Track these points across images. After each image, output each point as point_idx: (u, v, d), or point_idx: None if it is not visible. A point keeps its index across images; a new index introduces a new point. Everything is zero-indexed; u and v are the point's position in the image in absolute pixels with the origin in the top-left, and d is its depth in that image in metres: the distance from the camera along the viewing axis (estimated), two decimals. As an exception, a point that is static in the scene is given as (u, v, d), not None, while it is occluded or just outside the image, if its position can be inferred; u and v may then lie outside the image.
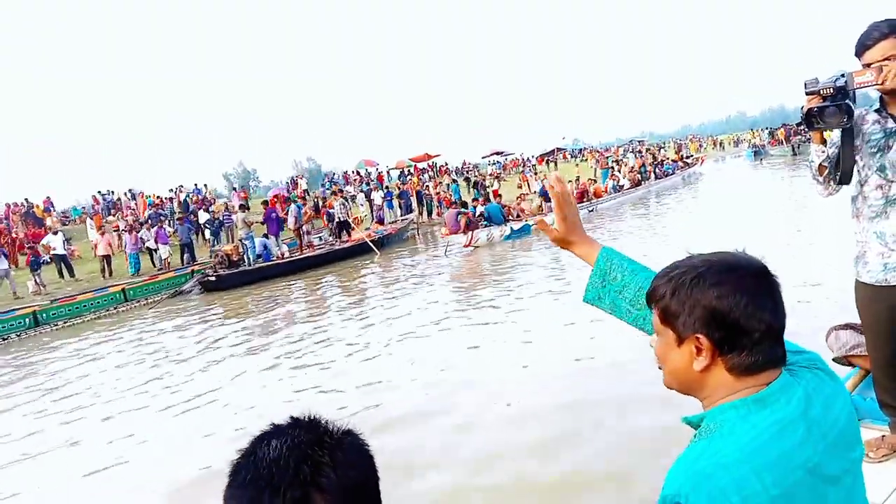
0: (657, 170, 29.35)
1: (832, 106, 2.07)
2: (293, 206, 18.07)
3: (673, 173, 31.18)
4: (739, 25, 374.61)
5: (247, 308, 13.13)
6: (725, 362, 1.01)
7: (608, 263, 1.38)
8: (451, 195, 31.38)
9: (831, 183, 2.39)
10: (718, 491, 0.90)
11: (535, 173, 39.87)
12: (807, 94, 2.13)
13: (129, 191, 33.61)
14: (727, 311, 0.98)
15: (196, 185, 37.37)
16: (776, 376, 1.01)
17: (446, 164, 52.31)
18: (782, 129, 39.29)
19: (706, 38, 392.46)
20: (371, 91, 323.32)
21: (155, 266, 18.88)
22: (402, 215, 26.73)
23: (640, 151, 59.48)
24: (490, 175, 47.87)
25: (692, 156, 38.61)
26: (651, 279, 1.13)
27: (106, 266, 18.13)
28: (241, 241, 16.58)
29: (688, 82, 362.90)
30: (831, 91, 2.08)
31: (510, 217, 18.40)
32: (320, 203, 25.38)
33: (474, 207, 17.55)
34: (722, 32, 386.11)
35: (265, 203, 21.39)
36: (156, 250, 18.87)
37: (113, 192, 33.29)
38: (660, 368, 1.11)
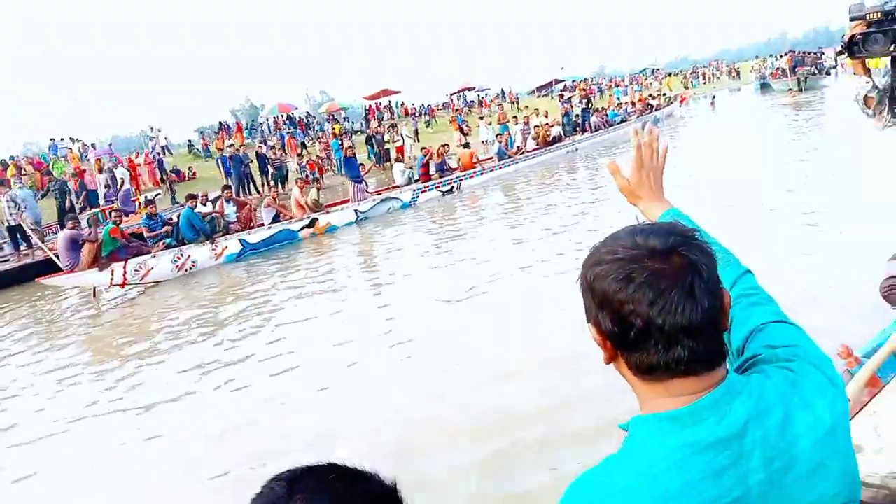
0: (591, 119, 21.49)
1: (877, 33, 1.95)
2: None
3: (622, 122, 23.39)
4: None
5: None
6: (625, 360, 0.86)
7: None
8: (324, 158, 24.34)
9: (885, 115, 2.25)
10: None
11: (482, 117, 31.76)
12: (851, 19, 2.01)
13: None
14: (602, 297, 0.84)
15: (60, 138, 30.72)
16: (697, 387, 0.83)
17: (405, 104, 44.17)
18: (788, 57, 30.48)
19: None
20: (394, 14, 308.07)
21: None
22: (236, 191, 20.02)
23: (638, 84, 50.79)
24: (453, 117, 40.22)
25: (665, 94, 30.29)
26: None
27: None
28: None
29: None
30: (879, 16, 1.95)
31: (252, 222, 11.48)
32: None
33: (149, 218, 10.48)
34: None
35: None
36: None
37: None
38: None
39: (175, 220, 10.61)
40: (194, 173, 25.34)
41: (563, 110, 21.37)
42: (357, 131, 35.09)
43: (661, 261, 0.80)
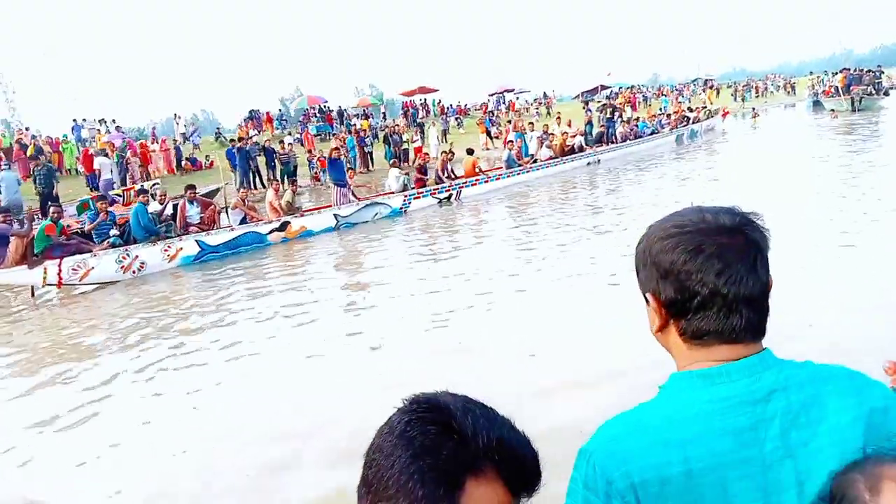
0: (616, 130, 20.09)
1: None
2: None
3: (653, 133, 21.94)
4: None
5: None
6: (677, 326, 0.92)
7: None
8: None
9: None
10: (618, 455, 0.85)
11: (510, 121, 30.42)
12: None
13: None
14: (668, 267, 0.90)
15: (95, 119, 30.60)
16: (738, 354, 0.89)
17: (441, 102, 43.03)
18: (842, 75, 28.27)
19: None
20: (445, 12, 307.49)
21: None
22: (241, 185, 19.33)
23: (680, 93, 48.67)
24: (480, 119, 39.05)
25: (706, 107, 28.54)
26: None
27: None
28: None
29: (789, 10, 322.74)
30: None
31: (216, 224, 10.65)
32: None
33: (97, 215, 9.72)
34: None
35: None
36: None
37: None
38: None
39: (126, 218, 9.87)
40: (211, 163, 24.80)
41: (587, 118, 20.03)
42: (384, 129, 34.19)
43: (728, 236, 0.87)
